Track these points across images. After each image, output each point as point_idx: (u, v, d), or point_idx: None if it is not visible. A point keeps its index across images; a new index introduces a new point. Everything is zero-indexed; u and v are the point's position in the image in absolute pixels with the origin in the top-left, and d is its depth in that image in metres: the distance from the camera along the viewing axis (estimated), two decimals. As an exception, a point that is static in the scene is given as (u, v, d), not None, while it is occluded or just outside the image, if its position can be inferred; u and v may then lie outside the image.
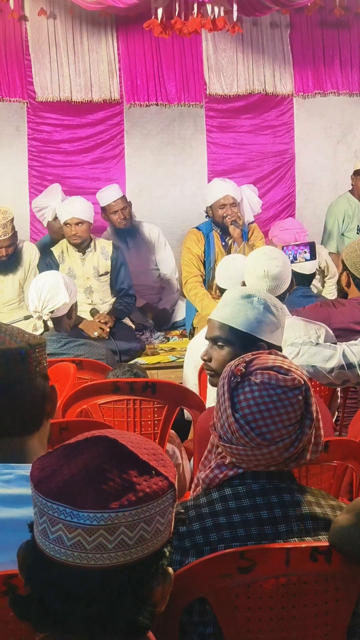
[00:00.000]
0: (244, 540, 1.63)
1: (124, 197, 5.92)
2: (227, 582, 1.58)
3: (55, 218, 5.62)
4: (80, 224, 5.22)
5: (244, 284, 3.44)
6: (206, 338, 2.66)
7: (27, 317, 4.02)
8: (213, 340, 2.62)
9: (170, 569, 1.20)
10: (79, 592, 1.12)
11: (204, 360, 2.65)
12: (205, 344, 2.69)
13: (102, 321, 5.02)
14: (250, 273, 3.39)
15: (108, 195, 5.90)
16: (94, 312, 5.24)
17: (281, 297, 3.33)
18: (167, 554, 1.19)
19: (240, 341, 2.54)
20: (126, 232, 5.96)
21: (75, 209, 5.24)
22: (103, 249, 5.37)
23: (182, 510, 1.66)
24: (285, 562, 1.59)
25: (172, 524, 1.20)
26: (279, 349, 2.55)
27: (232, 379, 1.71)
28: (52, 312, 3.69)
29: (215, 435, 1.74)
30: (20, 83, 6.54)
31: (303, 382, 1.71)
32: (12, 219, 5.13)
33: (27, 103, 6.61)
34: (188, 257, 5.49)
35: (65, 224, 5.24)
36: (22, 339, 1.63)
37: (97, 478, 1.12)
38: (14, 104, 6.58)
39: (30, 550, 1.17)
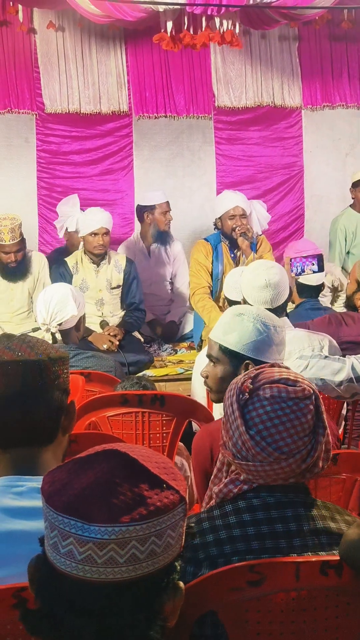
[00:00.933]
0: (258, 553, 1.62)
1: (168, 202, 5.97)
2: (237, 596, 1.57)
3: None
4: (106, 234, 5.24)
5: (244, 300, 3.43)
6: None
7: (35, 329, 4.03)
8: (209, 357, 2.67)
9: (181, 584, 1.19)
10: (90, 607, 1.11)
11: (203, 377, 2.68)
12: None
13: (111, 334, 5.02)
14: (251, 286, 3.38)
15: (158, 195, 5.94)
16: (103, 324, 5.24)
17: (282, 307, 3.33)
18: (178, 568, 1.18)
19: (229, 359, 2.57)
20: (166, 235, 5.99)
21: (103, 219, 5.25)
22: (117, 262, 5.38)
23: (192, 525, 1.66)
24: (295, 576, 1.58)
25: (183, 538, 1.20)
26: None
27: (241, 396, 1.71)
28: (60, 324, 3.69)
29: (227, 454, 1.73)
30: (30, 95, 6.58)
31: (312, 391, 1.72)
32: (20, 225, 5.15)
33: (36, 115, 6.65)
34: (196, 268, 5.49)
35: (93, 234, 5.21)
36: (43, 351, 1.63)
37: (108, 492, 1.12)
38: (23, 116, 6.62)
39: (41, 564, 1.17)
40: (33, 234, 6.45)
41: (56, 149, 6.77)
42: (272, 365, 1.83)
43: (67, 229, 5.80)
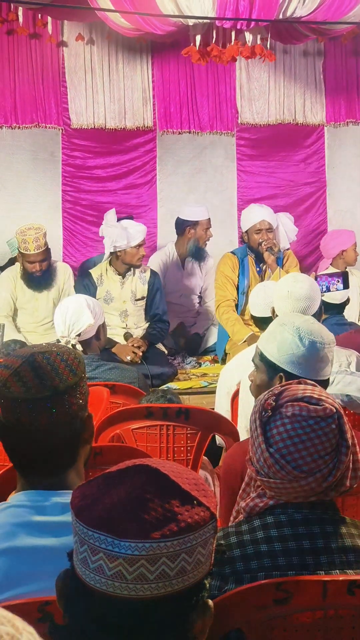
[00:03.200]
0: (284, 570, 1.61)
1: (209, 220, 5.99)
2: (263, 614, 1.56)
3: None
4: (143, 246, 5.28)
5: (273, 311, 3.44)
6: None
7: (58, 341, 4.04)
8: (253, 362, 2.61)
9: (210, 602, 1.18)
10: (119, 623, 1.10)
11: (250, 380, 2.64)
12: (238, 370, 2.69)
13: (135, 345, 5.02)
14: (277, 295, 3.40)
15: (202, 211, 5.98)
16: (127, 335, 5.25)
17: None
18: (207, 586, 1.17)
19: (267, 368, 2.50)
20: (202, 251, 6.02)
21: (143, 231, 5.29)
22: (141, 273, 5.39)
23: (222, 542, 1.65)
24: (322, 595, 1.56)
25: (213, 555, 1.19)
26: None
27: (263, 413, 1.70)
28: (78, 335, 3.69)
29: (252, 469, 1.73)
30: (56, 110, 6.64)
31: (335, 411, 1.70)
32: (45, 234, 5.18)
33: (62, 130, 6.70)
34: (222, 280, 5.50)
35: (138, 246, 5.24)
36: (51, 383, 1.57)
37: (138, 507, 1.11)
38: (49, 131, 6.67)
39: (70, 579, 1.16)
40: (57, 247, 6.48)
41: (81, 163, 6.81)
42: (300, 382, 1.81)
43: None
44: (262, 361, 2.52)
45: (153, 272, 5.48)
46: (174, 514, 1.11)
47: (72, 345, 3.71)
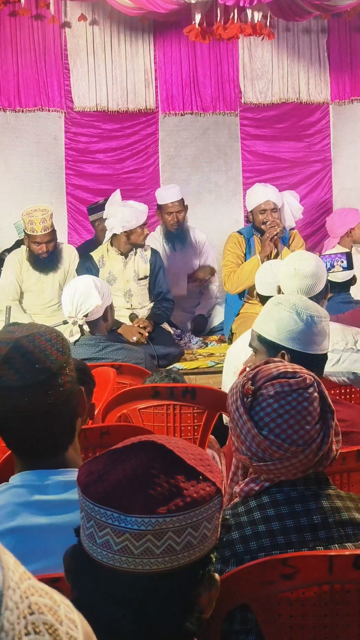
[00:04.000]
0: (284, 548, 1.62)
1: (182, 201, 5.92)
2: (270, 589, 1.57)
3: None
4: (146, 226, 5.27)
5: (279, 289, 3.44)
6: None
7: (65, 322, 4.05)
8: (250, 347, 2.62)
9: (216, 575, 1.19)
10: (127, 597, 1.11)
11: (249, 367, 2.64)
12: (245, 349, 2.69)
13: (141, 326, 5.03)
14: (283, 273, 3.39)
15: (167, 195, 5.91)
16: (132, 317, 5.25)
17: (318, 297, 3.30)
18: (214, 560, 1.18)
19: (267, 349, 2.50)
20: (175, 235, 5.98)
21: (146, 211, 5.26)
22: (142, 252, 5.39)
23: (228, 517, 1.66)
24: (328, 569, 1.57)
25: (219, 530, 1.20)
26: (309, 356, 2.44)
27: (245, 399, 1.70)
28: (86, 315, 3.69)
29: (243, 459, 1.73)
30: (59, 93, 6.62)
31: (313, 379, 1.72)
32: (51, 215, 5.19)
33: (64, 113, 6.69)
34: (229, 258, 5.48)
35: (143, 225, 5.21)
36: (43, 366, 1.56)
37: (144, 483, 1.12)
38: (52, 114, 6.66)
39: (77, 555, 1.17)
40: (62, 231, 6.48)
41: (84, 147, 6.80)
42: (267, 362, 1.82)
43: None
44: (262, 342, 2.53)
45: (154, 251, 5.46)
46: (180, 489, 1.12)
47: (80, 326, 3.71)
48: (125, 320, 5.20)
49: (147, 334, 4.95)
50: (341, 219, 6.34)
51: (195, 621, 1.15)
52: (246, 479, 1.76)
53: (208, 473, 1.17)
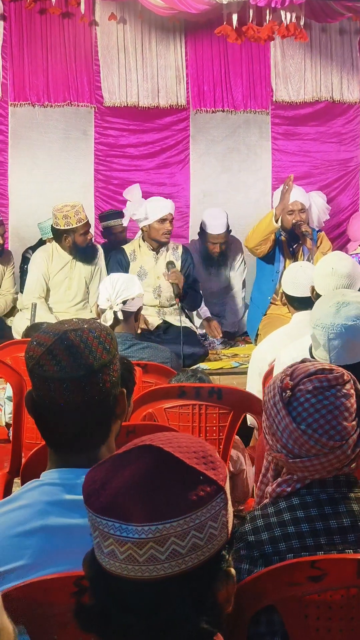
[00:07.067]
0: (313, 550, 1.62)
1: (228, 232, 5.86)
2: (297, 591, 1.57)
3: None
4: (172, 222, 5.26)
5: (312, 289, 3.43)
6: None
7: (98, 306, 4.02)
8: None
9: (232, 570, 1.17)
10: (138, 604, 1.11)
11: None
12: (271, 351, 2.68)
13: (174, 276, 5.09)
14: (319, 274, 3.40)
15: (216, 225, 5.81)
16: (169, 265, 5.22)
17: None
18: (227, 556, 1.17)
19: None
20: (215, 260, 5.95)
21: (169, 206, 5.23)
22: (174, 249, 5.39)
23: (242, 508, 1.66)
24: (357, 573, 1.56)
25: (229, 525, 1.18)
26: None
27: (284, 394, 1.71)
28: (124, 302, 3.67)
29: (279, 456, 1.73)
30: (89, 88, 6.64)
31: (350, 376, 1.75)
32: (82, 208, 5.24)
33: (94, 108, 6.71)
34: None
35: (161, 220, 5.19)
36: (85, 361, 1.55)
37: (142, 490, 1.11)
38: (82, 109, 6.68)
39: (92, 562, 1.17)
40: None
41: (114, 141, 6.81)
42: (303, 361, 1.85)
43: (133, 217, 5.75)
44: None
45: (185, 249, 5.46)
46: (178, 493, 1.11)
47: (114, 312, 3.66)
48: (153, 319, 5.21)
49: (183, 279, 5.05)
50: None
51: (212, 620, 1.14)
52: (278, 480, 1.76)
53: (210, 471, 1.15)
